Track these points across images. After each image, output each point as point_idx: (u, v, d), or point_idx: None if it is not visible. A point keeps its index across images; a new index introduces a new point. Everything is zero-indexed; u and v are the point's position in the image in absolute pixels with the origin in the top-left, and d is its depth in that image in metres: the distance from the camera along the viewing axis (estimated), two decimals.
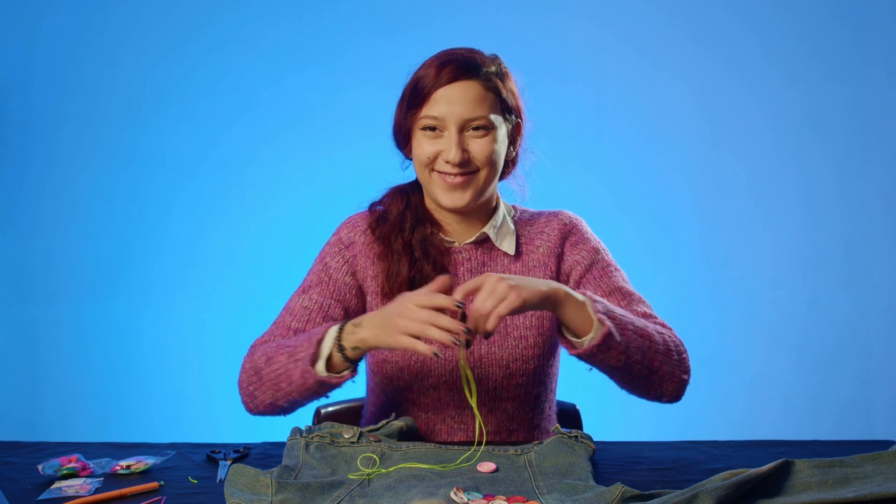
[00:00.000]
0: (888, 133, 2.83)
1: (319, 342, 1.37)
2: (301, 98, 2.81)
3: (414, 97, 1.49)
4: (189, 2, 2.79)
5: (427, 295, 1.29)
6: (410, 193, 1.60)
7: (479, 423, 1.37)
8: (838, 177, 2.85)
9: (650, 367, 1.41)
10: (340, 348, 1.36)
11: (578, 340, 1.36)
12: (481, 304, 1.26)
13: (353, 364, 1.39)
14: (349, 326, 1.37)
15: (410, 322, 1.27)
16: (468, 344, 1.27)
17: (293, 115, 2.81)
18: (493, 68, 1.50)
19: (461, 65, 1.47)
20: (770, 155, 2.86)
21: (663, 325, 1.53)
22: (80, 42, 2.78)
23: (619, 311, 1.40)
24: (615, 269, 1.61)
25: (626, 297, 1.56)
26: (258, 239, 2.83)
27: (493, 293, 1.27)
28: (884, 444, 1.39)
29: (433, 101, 1.47)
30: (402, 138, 1.55)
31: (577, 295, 1.35)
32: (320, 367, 1.37)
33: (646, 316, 1.53)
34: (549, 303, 1.33)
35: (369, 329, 1.34)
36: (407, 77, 1.53)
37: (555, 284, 1.34)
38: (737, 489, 1.10)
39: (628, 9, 2.83)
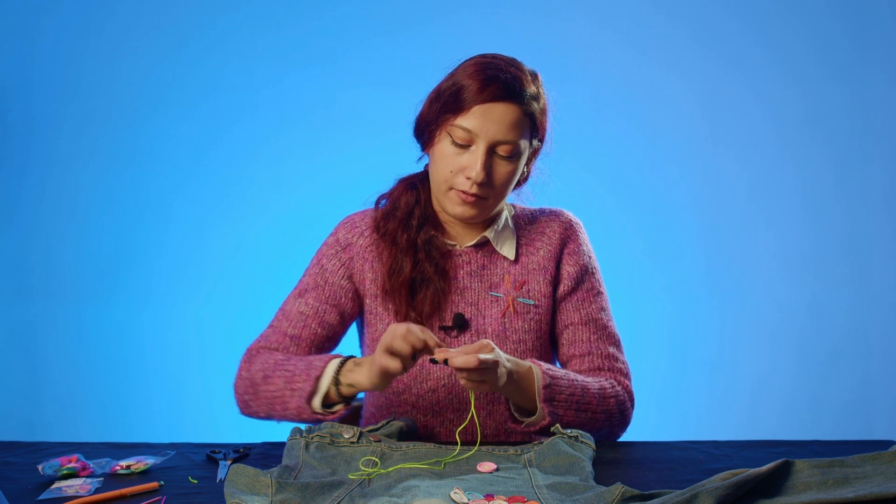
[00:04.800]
0: (888, 133, 2.83)
1: (318, 378, 1.42)
2: (301, 98, 2.80)
3: (451, 103, 1.47)
4: (189, 2, 2.79)
5: (415, 329, 1.34)
6: (420, 189, 1.60)
7: (473, 415, 1.39)
8: (838, 177, 2.85)
9: (587, 428, 1.48)
10: (336, 382, 1.41)
11: (522, 419, 1.45)
12: (459, 362, 1.30)
13: (346, 400, 1.44)
14: (349, 364, 1.42)
15: (390, 339, 1.33)
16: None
17: (293, 115, 2.81)
18: (533, 90, 1.50)
19: (507, 86, 1.46)
20: (770, 155, 2.86)
21: (618, 377, 1.57)
22: (80, 42, 2.77)
23: (566, 384, 1.45)
24: (598, 292, 1.63)
25: (598, 330, 1.60)
26: (258, 239, 2.83)
27: (469, 371, 1.32)
28: (884, 444, 1.39)
29: (470, 114, 1.46)
30: (427, 135, 1.54)
31: (537, 381, 1.42)
32: (316, 403, 1.43)
33: (609, 358, 1.57)
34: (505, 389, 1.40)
35: (363, 371, 1.39)
36: (441, 71, 1.52)
37: (519, 374, 1.40)
38: (737, 489, 1.10)
39: (628, 9, 2.83)
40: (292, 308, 1.59)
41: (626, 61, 2.83)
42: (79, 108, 2.79)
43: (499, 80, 1.46)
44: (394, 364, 1.32)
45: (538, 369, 1.43)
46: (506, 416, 1.56)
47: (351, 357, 1.46)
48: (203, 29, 2.79)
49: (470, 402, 1.38)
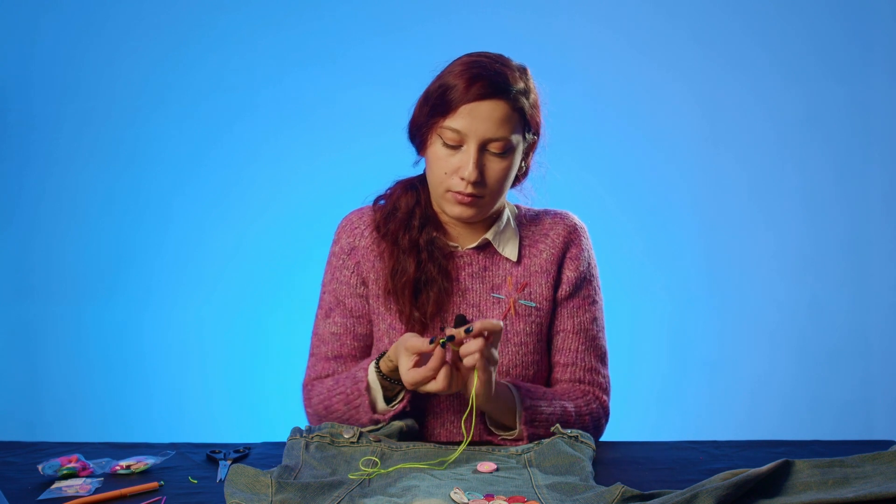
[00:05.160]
0: (888, 133, 2.83)
1: (368, 390, 1.45)
2: (301, 98, 2.80)
3: (439, 105, 1.47)
4: (189, 2, 2.79)
5: (409, 352, 1.35)
6: (420, 190, 1.60)
7: (471, 413, 1.39)
8: (838, 177, 2.85)
9: None
10: (386, 378, 1.45)
11: (499, 432, 1.47)
12: (487, 324, 1.33)
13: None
14: (393, 374, 1.44)
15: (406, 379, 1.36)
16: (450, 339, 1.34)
17: (293, 115, 2.81)
18: (521, 85, 1.49)
19: (492, 83, 1.45)
20: (770, 155, 2.86)
21: (596, 391, 1.58)
22: (80, 42, 2.77)
23: (545, 404, 1.47)
24: (593, 301, 1.62)
25: (587, 341, 1.60)
26: (258, 239, 2.84)
27: (487, 344, 1.33)
28: (884, 444, 1.39)
29: (458, 114, 1.45)
30: (419, 138, 1.54)
31: (517, 404, 1.44)
32: (381, 407, 1.46)
33: (591, 371, 1.58)
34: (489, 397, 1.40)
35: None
36: (432, 73, 1.52)
37: (498, 389, 1.42)
38: (737, 489, 1.10)
39: (628, 9, 2.83)
40: (324, 331, 1.61)
41: (626, 61, 2.83)
42: (79, 108, 2.79)
43: (483, 77, 1.45)
44: (431, 386, 1.35)
45: (518, 392, 1.45)
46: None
47: (384, 355, 1.46)
48: (203, 29, 2.79)
49: (470, 395, 1.36)
